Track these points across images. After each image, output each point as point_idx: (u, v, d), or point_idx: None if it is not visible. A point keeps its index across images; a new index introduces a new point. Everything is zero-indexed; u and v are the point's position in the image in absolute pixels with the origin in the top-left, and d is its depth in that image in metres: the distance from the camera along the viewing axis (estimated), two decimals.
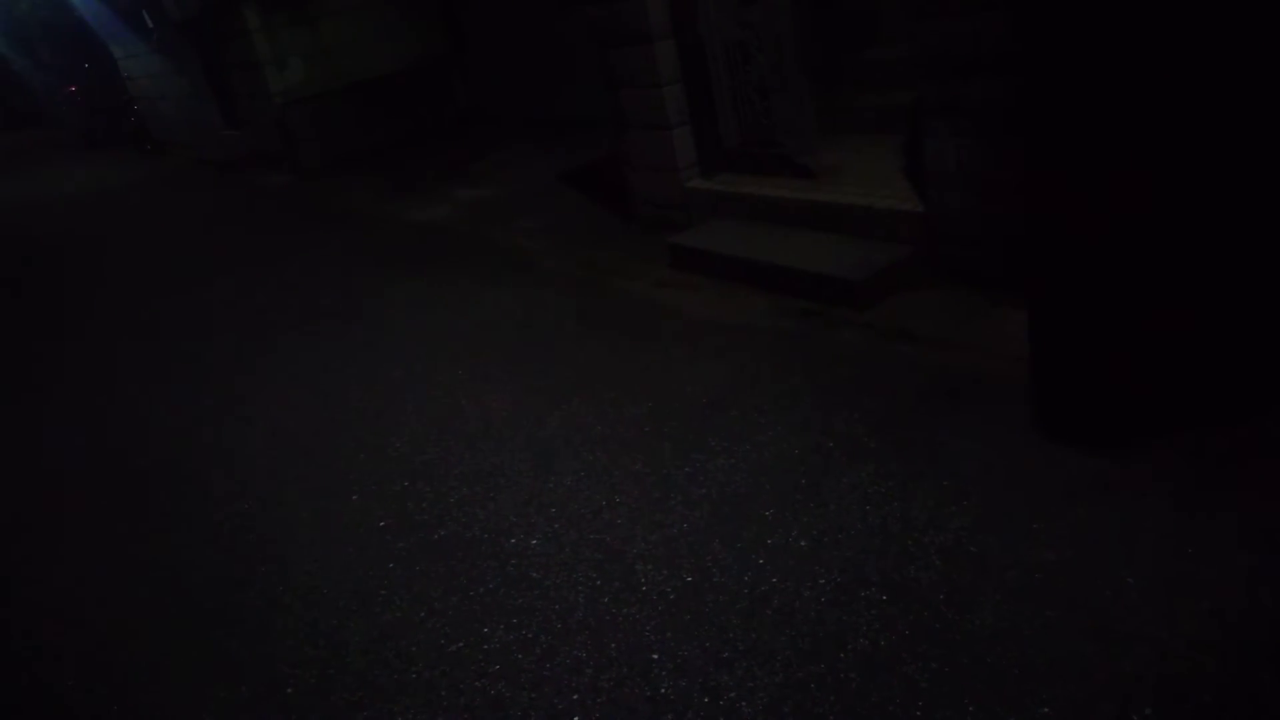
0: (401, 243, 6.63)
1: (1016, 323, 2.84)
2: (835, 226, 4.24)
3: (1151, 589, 2.13)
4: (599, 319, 4.43)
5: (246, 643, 2.67)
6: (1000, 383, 3.01)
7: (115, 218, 9.82)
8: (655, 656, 2.28)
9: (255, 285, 6.25)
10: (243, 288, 6.25)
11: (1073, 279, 2.50)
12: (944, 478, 2.67)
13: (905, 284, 3.86)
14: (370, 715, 2.31)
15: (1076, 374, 2.63)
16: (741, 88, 4.63)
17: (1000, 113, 3.30)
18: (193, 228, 8.76)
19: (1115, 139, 2.29)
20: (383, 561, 2.90)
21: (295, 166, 10.00)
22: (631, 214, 5.60)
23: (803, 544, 2.55)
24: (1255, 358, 2.52)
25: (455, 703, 2.28)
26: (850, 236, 4.16)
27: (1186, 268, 2.41)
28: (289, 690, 2.45)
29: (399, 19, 10.50)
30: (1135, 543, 2.27)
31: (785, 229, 4.47)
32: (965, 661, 2.06)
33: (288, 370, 4.63)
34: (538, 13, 8.43)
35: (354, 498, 3.30)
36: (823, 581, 2.40)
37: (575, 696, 2.22)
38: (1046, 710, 1.91)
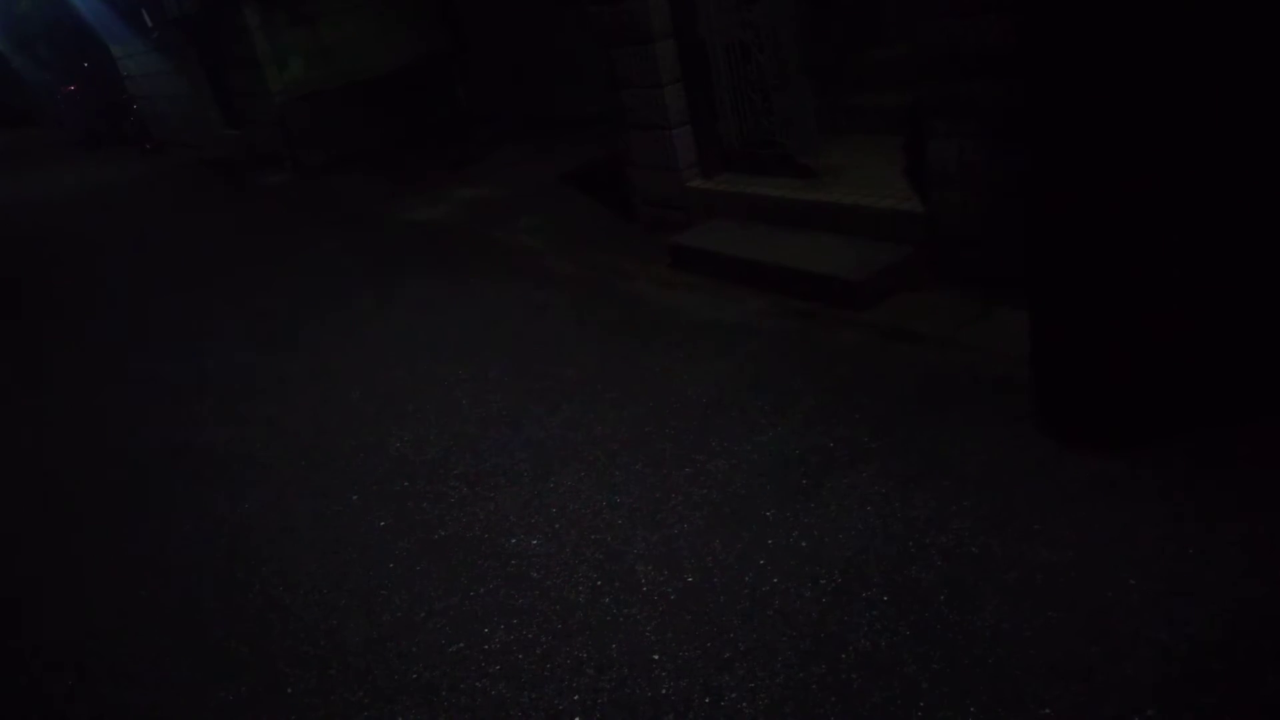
0: (401, 242, 6.62)
1: (1017, 323, 2.84)
2: (836, 226, 4.24)
3: (1153, 590, 2.13)
4: (599, 319, 4.42)
5: (246, 642, 2.67)
6: (1001, 383, 3.01)
7: (113, 217, 9.81)
8: (656, 657, 2.28)
9: (253, 285, 6.25)
10: (240, 288, 6.24)
11: (1074, 279, 2.50)
12: (945, 478, 2.67)
13: (906, 284, 3.86)
14: (370, 715, 2.30)
15: (1078, 374, 2.63)
16: (742, 87, 4.62)
17: (1002, 113, 3.29)
18: (192, 228, 8.74)
19: (1117, 139, 2.29)
20: (383, 561, 2.90)
21: (295, 165, 9.99)
22: (632, 214, 5.60)
23: (804, 544, 2.55)
24: (1257, 358, 2.52)
25: (455, 703, 2.28)
26: (851, 236, 4.16)
27: (1188, 268, 2.41)
28: (289, 690, 2.45)
29: (399, 18, 10.49)
30: (1137, 543, 2.27)
31: (786, 229, 4.47)
32: (966, 662, 2.06)
33: (286, 370, 4.63)
34: (538, 12, 8.42)
35: (354, 498, 3.30)
36: (824, 582, 2.40)
37: (576, 697, 2.22)
38: (1048, 711, 1.91)
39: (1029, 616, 2.14)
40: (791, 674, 2.14)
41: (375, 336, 4.84)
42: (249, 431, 4.01)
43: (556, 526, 2.87)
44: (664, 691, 2.18)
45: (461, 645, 2.47)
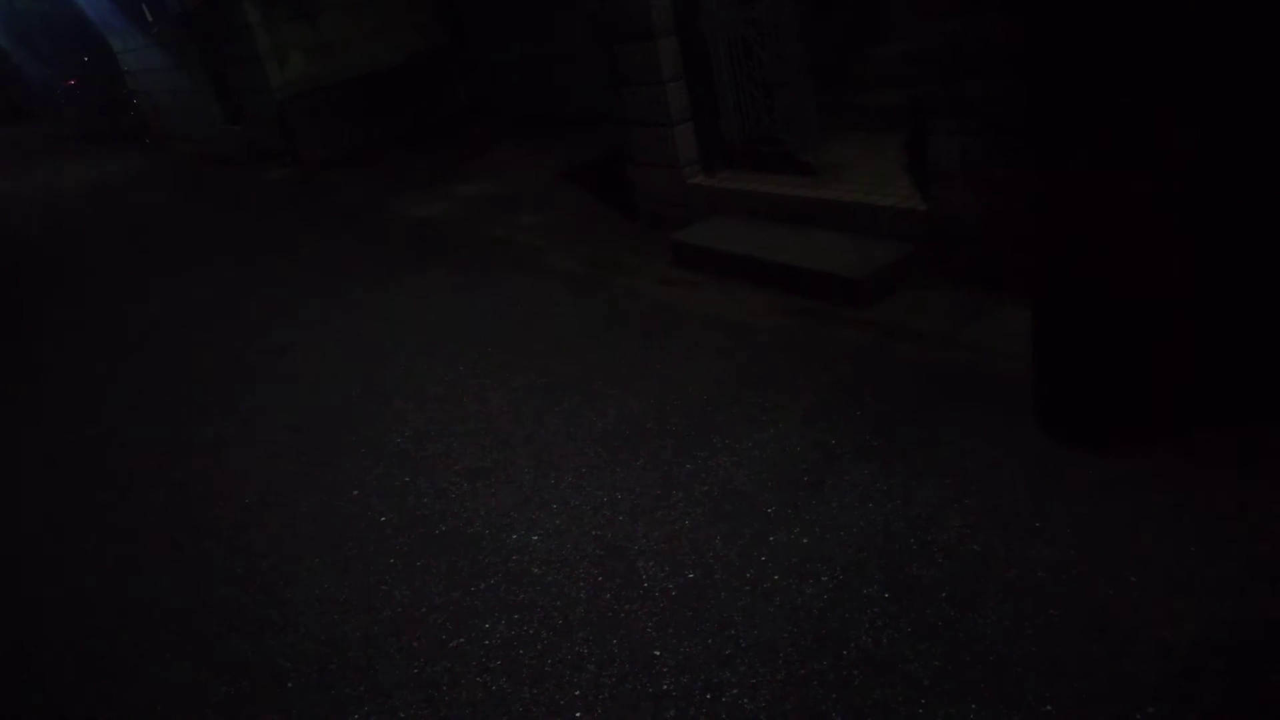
0: (401, 238, 6.62)
1: (1019, 321, 2.84)
2: (837, 224, 4.24)
3: (1154, 588, 2.13)
4: (600, 316, 4.42)
5: (247, 638, 2.67)
6: (1003, 381, 3.01)
7: (112, 212, 9.80)
8: (657, 653, 2.28)
9: (253, 281, 6.24)
10: (239, 283, 6.23)
11: (1077, 278, 2.50)
12: (946, 476, 2.67)
13: (908, 282, 3.86)
14: (371, 710, 2.30)
15: (1080, 373, 2.63)
16: (744, 84, 4.62)
17: (1004, 111, 3.29)
18: (192, 223, 8.74)
19: (1120, 138, 2.29)
20: (383, 557, 2.89)
21: (295, 161, 9.98)
22: (633, 211, 5.60)
23: (805, 541, 2.55)
24: (1260, 358, 2.52)
25: (456, 698, 2.28)
26: (852, 234, 4.16)
27: (1191, 268, 2.41)
28: (290, 685, 2.45)
29: (399, 14, 10.49)
30: (1138, 542, 2.27)
31: (787, 226, 4.47)
32: (968, 659, 2.06)
33: (288, 366, 4.62)
34: (538, 8, 8.41)
35: (355, 493, 3.30)
36: (825, 579, 2.40)
37: (577, 693, 2.22)
38: (1049, 709, 1.91)
39: (1030, 614, 2.14)
40: (793, 670, 2.14)
41: (376, 332, 4.83)
42: (248, 427, 4.01)
43: (557, 522, 2.87)
44: (665, 687, 2.18)
45: (462, 640, 2.47)
